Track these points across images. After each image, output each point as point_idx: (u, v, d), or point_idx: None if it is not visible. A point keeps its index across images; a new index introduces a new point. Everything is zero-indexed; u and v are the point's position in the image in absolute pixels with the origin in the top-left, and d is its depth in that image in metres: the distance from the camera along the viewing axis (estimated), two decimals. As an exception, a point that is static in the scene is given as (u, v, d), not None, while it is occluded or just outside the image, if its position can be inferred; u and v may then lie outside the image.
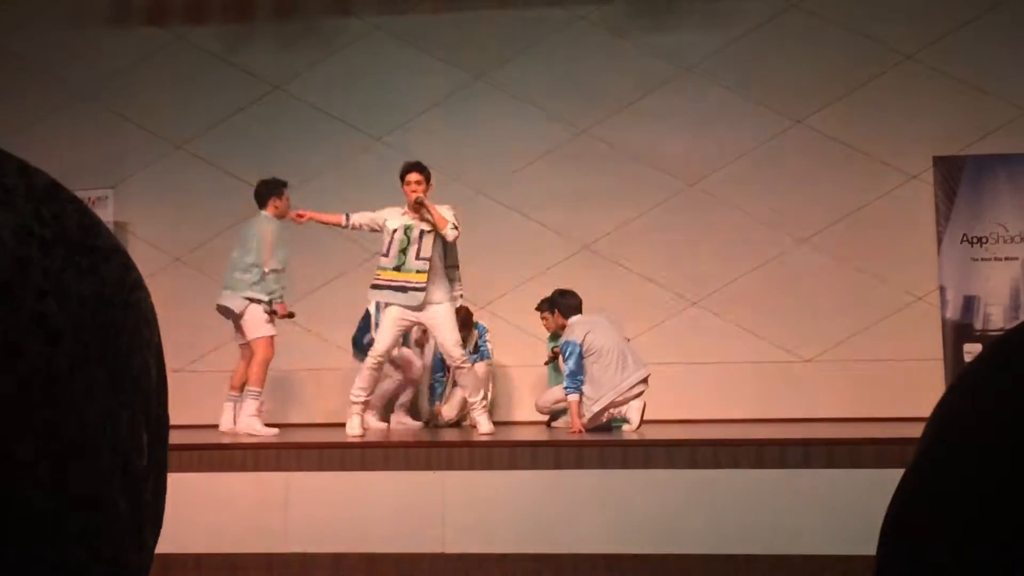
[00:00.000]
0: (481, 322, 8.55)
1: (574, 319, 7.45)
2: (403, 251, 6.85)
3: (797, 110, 9.07)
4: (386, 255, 6.89)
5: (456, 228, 6.85)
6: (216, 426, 7.41)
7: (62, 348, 0.40)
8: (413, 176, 6.89)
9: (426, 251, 6.83)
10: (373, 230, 7.08)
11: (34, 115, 9.72)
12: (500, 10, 9.49)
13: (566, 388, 7.21)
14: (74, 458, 0.40)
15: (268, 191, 7.41)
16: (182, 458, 5.87)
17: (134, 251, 9.51)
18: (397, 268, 6.85)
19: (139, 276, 0.48)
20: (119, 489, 0.43)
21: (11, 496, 0.38)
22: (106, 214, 9.28)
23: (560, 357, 7.41)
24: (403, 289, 6.82)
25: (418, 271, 6.82)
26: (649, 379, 7.27)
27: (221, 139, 9.61)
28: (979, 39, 8.89)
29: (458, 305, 7.18)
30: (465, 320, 7.95)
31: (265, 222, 7.30)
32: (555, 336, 7.94)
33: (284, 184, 7.47)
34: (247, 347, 7.37)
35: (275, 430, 7.22)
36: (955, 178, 8.67)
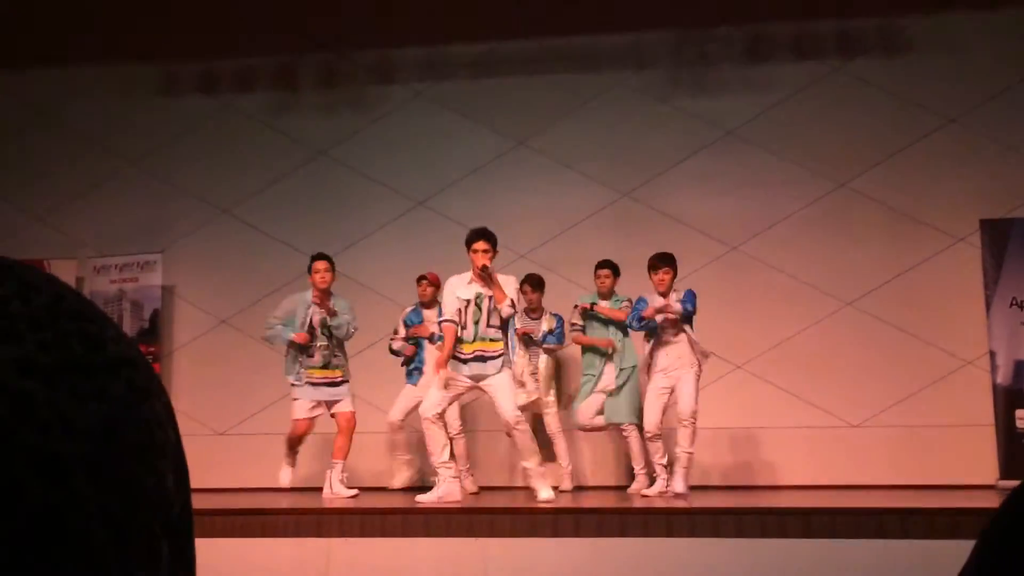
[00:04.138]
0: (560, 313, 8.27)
1: None
2: (476, 322, 6.78)
3: (840, 173, 9.03)
4: (464, 328, 6.79)
5: (513, 306, 6.80)
6: (258, 489, 7.39)
7: (68, 485, 0.38)
8: (480, 244, 6.78)
9: (496, 319, 6.77)
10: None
11: (87, 182, 9.95)
12: (540, 76, 9.58)
13: (631, 322, 7.48)
14: None
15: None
16: (224, 523, 5.85)
17: (181, 313, 9.65)
18: (472, 339, 6.77)
19: (149, 379, 0.45)
20: None
21: None
22: (155, 277, 9.47)
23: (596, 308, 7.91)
24: (482, 359, 6.75)
25: (492, 339, 6.76)
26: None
27: (266, 204, 9.74)
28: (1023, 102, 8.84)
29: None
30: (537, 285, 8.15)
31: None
32: (605, 297, 8.05)
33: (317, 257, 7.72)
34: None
35: (355, 491, 7.48)
36: (1003, 241, 8.55)
